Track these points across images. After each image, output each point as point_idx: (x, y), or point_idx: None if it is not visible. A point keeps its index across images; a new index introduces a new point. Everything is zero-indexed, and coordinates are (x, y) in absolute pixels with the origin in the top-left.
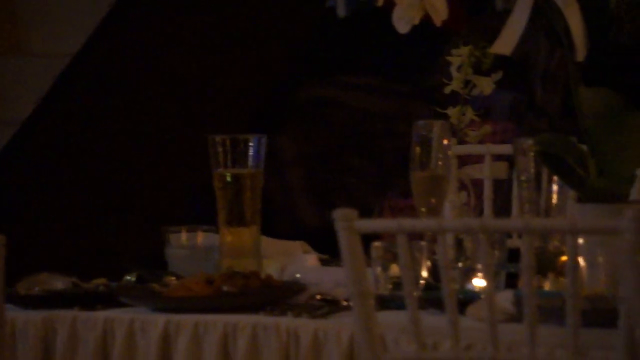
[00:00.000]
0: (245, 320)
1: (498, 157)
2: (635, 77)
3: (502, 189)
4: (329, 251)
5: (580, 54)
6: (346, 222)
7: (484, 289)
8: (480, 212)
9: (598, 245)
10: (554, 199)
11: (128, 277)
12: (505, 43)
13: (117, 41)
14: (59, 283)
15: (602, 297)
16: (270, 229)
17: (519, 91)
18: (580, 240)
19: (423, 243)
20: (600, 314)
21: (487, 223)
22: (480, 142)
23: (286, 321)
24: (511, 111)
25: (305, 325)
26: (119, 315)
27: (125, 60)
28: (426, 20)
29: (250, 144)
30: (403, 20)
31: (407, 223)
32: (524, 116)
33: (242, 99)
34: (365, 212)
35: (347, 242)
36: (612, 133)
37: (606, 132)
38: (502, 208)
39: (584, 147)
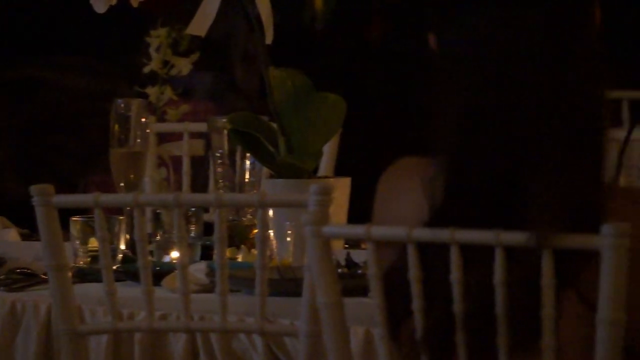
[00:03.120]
0: None
1: (197, 135)
2: (322, 60)
3: (201, 165)
4: (30, 226)
5: (269, 37)
6: (43, 197)
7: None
8: (179, 188)
9: (287, 218)
10: (248, 175)
11: None
12: (200, 25)
13: None
14: None
15: (290, 268)
16: None
17: (220, 72)
18: (271, 214)
19: (121, 217)
20: (287, 284)
21: (181, 197)
22: (180, 120)
23: None
24: (212, 91)
25: (3, 298)
26: None
27: None
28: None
29: None
30: (100, 1)
31: (103, 198)
32: (224, 96)
33: None
34: (71, 188)
35: (44, 216)
36: (300, 112)
37: (294, 111)
38: (202, 184)
39: (275, 126)
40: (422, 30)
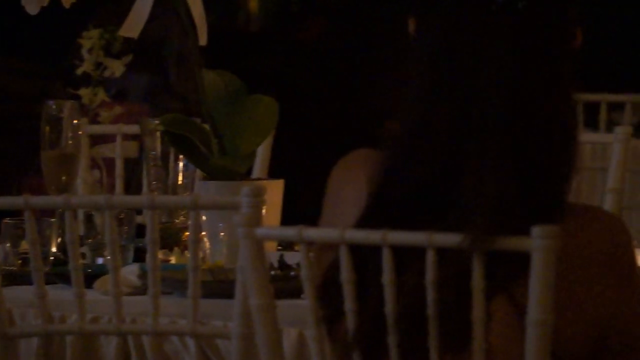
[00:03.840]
0: None
1: (131, 137)
2: (257, 61)
3: (135, 167)
4: None
5: (202, 39)
6: None
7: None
8: (112, 190)
9: (221, 220)
10: (181, 177)
11: None
12: (132, 26)
13: None
14: None
15: (222, 269)
16: None
17: (154, 74)
18: (204, 217)
19: (53, 220)
20: (220, 286)
21: (112, 200)
22: (114, 122)
23: None
24: (147, 93)
25: None
26: None
27: None
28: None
29: None
30: (32, 2)
31: (34, 200)
32: (159, 98)
33: None
34: (3, 191)
35: None
36: (233, 114)
37: (227, 113)
38: (136, 186)
39: (208, 127)
40: (359, 31)
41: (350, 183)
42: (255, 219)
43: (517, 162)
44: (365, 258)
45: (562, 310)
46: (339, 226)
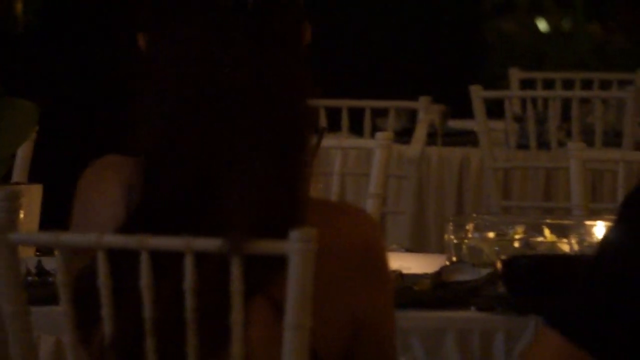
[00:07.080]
0: None
1: None
2: (20, 65)
3: None
4: None
5: None
6: None
7: None
8: None
9: None
10: None
11: None
12: None
13: None
14: None
15: None
16: None
17: None
18: None
19: None
20: None
21: None
22: None
23: None
24: None
25: None
26: None
27: None
28: None
29: None
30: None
31: None
32: None
33: None
34: None
35: None
36: None
37: None
38: None
39: None
40: (130, 34)
41: (100, 189)
42: (10, 224)
43: (265, 163)
44: (122, 263)
45: (317, 308)
46: (91, 231)
